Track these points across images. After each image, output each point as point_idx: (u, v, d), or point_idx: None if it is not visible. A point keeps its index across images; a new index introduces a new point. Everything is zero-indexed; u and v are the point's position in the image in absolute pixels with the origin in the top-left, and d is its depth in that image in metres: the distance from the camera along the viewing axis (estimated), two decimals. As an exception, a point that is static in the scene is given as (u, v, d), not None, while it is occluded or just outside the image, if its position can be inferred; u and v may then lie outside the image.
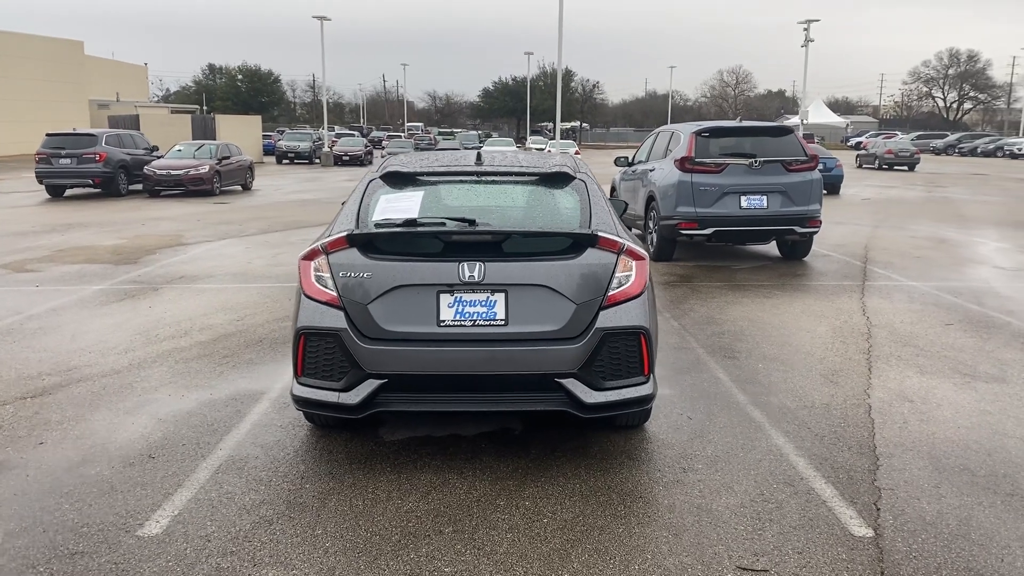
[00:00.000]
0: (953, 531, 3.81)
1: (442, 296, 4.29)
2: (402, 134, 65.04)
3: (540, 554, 3.61)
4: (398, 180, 4.92)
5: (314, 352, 4.38)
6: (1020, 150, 51.62)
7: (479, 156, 5.22)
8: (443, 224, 4.48)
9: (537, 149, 52.04)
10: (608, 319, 4.33)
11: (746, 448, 4.78)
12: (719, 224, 10.54)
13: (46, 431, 5.04)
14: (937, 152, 58.50)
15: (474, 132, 65.25)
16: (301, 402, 4.47)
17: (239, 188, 25.12)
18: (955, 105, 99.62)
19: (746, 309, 8.39)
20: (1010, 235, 14.57)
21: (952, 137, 63.14)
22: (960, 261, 11.61)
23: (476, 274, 4.24)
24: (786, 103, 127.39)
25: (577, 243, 4.39)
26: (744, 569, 3.49)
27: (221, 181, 23.55)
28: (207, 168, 22.86)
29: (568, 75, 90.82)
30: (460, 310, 4.29)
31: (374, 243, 4.37)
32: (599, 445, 4.82)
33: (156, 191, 22.57)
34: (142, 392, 5.78)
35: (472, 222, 4.47)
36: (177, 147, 25.00)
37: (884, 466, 4.52)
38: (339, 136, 52.25)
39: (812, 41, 41.95)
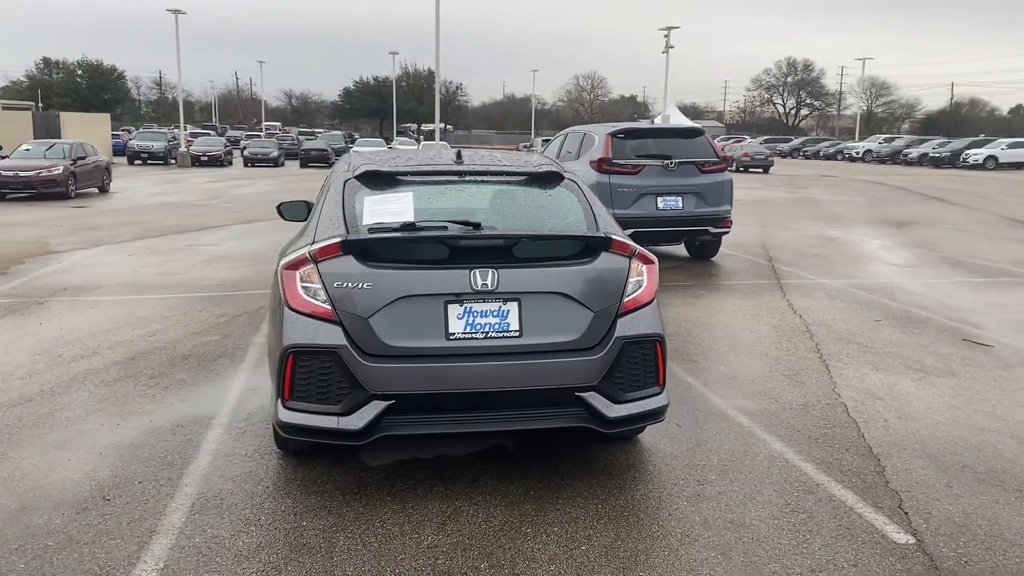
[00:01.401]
0: (987, 532, 3.80)
1: (450, 307, 3.92)
2: (261, 133, 62.56)
3: (594, 586, 3.33)
4: (378, 180, 4.49)
5: (306, 372, 3.91)
6: (858, 153, 55.29)
7: (459, 155, 4.87)
8: (445, 228, 4.11)
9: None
10: (626, 327, 4.09)
11: (748, 455, 4.66)
12: (637, 225, 10.50)
13: (-34, 474, 4.31)
14: (783, 155, 61.77)
15: (339, 132, 63.52)
16: (290, 429, 3.99)
17: (95, 190, 23.32)
18: (793, 111, 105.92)
19: (681, 310, 8.37)
20: (886, 233, 15.39)
21: (797, 141, 66.98)
22: (855, 259, 12.12)
23: (489, 282, 3.90)
24: (638, 108, 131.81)
25: (590, 247, 4.13)
26: (809, 587, 3.33)
27: (76, 183, 21.78)
28: (61, 169, 21.08)
29: (431, 76, 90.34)
30: (471, 321, 3.94)
31: (371, 250, 3.95)
32: (600, 460, 4.57)
33: (1, 194, 20.61)
34: (68, 423, 5.07)
35: (477, 225, 4.13)
36: (24, 146, 23.02)
37: (888, 468, 4.50)
38: (195, 135, 49.71)
39: (673, 48, 43.43)
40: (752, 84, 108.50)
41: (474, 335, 3.93)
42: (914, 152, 50.98)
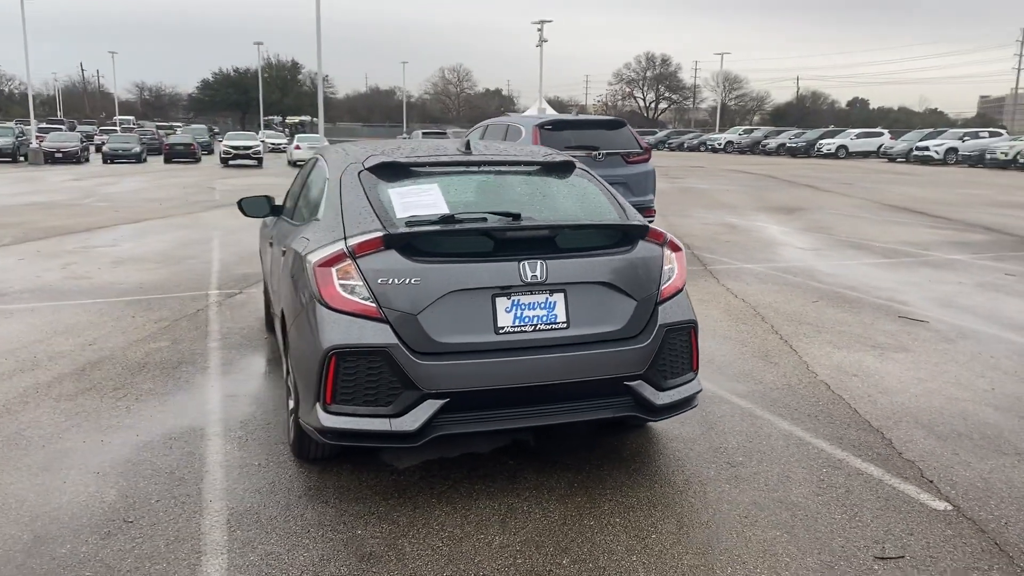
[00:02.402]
0: (1010, 494, 4.05)
1: (498, 300, 3.83)
2: (116, 128, 58.97)
3: (683, 571, 3.34)
4: (395, 172, 4.32)
5: (351, 374, 3.73)
6: (720, 144, 57.75)
7: (468, 145, 4.75)
8: (485, 219, 4.01)
9: (275, 144, 49.77)
10: (666, 314, 4.12)
11: (763, 436, 4.79)
12: (568, 216, 10.59)
13: (-48, 505, 3.87)
14: (652, 146, 63.85)
15: (202, 126, 60.69)
16: (333, 435, 3.79)
17: (-52, 191, 21.42)
18: (653, 104, 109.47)
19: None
20: (780, 219, 16.15)
21: (662, 133, 69.34)
22: (765, 244, 12.66)
23: (539, 273, 3.84)
24: (504, 101, 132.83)
25: (628, 235, 4.13)
26: (882, 559, 3.45)
27: (-72, 182, 19.90)
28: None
29: (295, 67, 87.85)
30: (519, 314, 3.86)
31: (415, 244, 3.81)
32: (625, 449, 4.59)
33: None
34: (43, 442, 4.64)
35: (517, 216, 4.05)
36: None
37: (895, 440, 4.73)
38: (44, 131, 46.38)
39: (546, 41, 44.00)
40: (614, 78, 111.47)
41: (523, 328, 3.85)
42: (772, 143, 53.71)
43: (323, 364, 3.73)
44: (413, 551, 3.49)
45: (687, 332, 4.20)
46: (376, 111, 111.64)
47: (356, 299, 3.76)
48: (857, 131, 50.22)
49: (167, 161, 39.42)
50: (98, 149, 43.03)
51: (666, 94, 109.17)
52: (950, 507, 3.91)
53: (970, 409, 5.24)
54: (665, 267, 4.18)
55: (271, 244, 6.10)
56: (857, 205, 18.67)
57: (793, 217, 16.45)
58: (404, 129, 77.74)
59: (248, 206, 6.18)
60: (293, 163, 37.49)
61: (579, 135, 11.04)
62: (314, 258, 3.90)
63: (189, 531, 3.65)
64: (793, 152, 50.92)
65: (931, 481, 4.19)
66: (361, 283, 3.76)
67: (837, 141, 48.51)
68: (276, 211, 6.19)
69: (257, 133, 50.01)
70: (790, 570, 3.36)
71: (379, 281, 3.74)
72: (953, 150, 41.11)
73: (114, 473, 4.25)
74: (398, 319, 3.72)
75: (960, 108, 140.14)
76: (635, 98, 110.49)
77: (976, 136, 42.60)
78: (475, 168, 4.51)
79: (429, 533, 3.64)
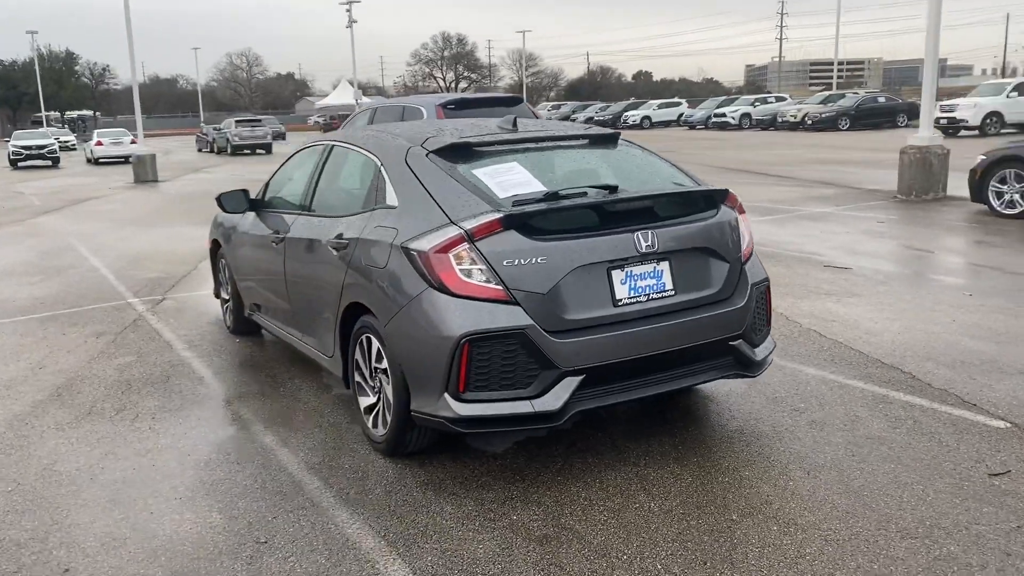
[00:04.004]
0: (1045, 407, 4.59)
1: (613, 273, 3.86)
2: None
3: (844, 512, 3.55)
4: (461, 154, 4.22)
5: (485, 360, 3.64)
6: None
7: (515, 122, 4.70)
8: (585, 194, 4.00)
9: (63, 142, 45.64)
10: (751, 274, 4.31)
11: (802, 383, 5.08)
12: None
13: (44, 554, 3.41)
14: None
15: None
16: (469, 423, 3.69)
17: None
18: (454, 84, 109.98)
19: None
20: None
21: (470, 111, 69.92)
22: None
23: (652, 243, 3.90)
24: (299, 85, 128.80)
25: (711, 200, 4.26)
26: (994, 475, 3.82)
27: None
28: None
29: (71, 58, 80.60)
30: (633, 285, 3.91)
31: (534, 223, 3.75)
32: (694, 410, 4.76)
33: None
34: (88, 475, 4.17)
35: (614, 188, 4.07)
36: None
37: (916, 373, 5.18)
38: None
39: (356, 22, 43.10)
40: (412, 59, 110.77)
41: (637, 299, 3.90)
42: (581, 116, 55.59)
43: (454, 352, 3.62)
44: (583, 528, 3.48)
45: (766, 290, 4.41)
46: (162, 102, 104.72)
47: (481, 283, 3.66)
48: (659, 102, 53.13)
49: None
50: None
51: (465, 73, 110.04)
52: (1008, 424, 4.37)
53: (952, 340, 5.83)
54: (741, 228, 4.36)
55: (247, 239, 5.82)
56: (699, 170, 19.80)
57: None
58: (202, 119, 73.49)
59: (228, 201, 5.77)
60: (95, 160, 34.72)
61: (482, 113, 11.03)
62: (424, 245, 3.75)
63: (338, 542, 3.43)
64: (602, 124, 52.98)
65: (975, 404, 4.65)
66: (482, 266, 3.67)
67: (641, 112, 51.10)
68: (254, 205, 5.83)
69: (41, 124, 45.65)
70: (929, 497, 3.64)
71: (504, 263, 3.66)
72: (747, 115, 44.41)
73: (199, 496, 3.90)
74: (529, 299, 3.66)
75: (733, 77, 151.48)
76: (435, 78, 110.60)
77: (765, 101, 46.29)
78: (534, 144, 4.47)
79: (586, 508, 3.64)
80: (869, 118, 38.20)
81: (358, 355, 4.38)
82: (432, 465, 4.13)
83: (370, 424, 4.33)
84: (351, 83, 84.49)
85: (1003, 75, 78.74)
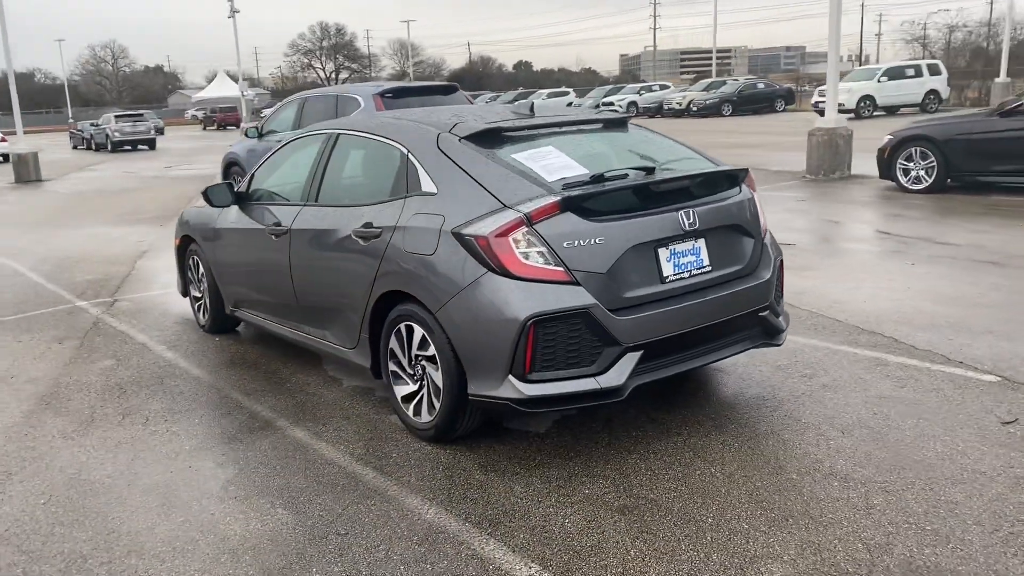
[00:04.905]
0: (1024, 361, 5.02)
1: (659, 251, 4.00)
2: None
3: (886, 469, 3.80)
4: (492, 139, 4.28)
5: (551, 340, 3.71)
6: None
7: (532, 108, 4.78)
8: (626, 176, 4.12)
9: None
10: (771, 248, 4.53)
11: (799, 350, 5.36)
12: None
13: (116, 563, 3.28)
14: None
15: None
16: (536, 403, 3.75)
17: None
18: (334, 75, 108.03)
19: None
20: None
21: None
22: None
23: (694, 220, 4.06)
24: (168, 78, 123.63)
25: (733, 179, 4.45)
26: (1006, 423, 4.18)
27: None
28: None
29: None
30: (677, 262, 4.06)
31: (588, 205, 3.84)
32: (702, 392, 4.96)
33: None
34: (125, 481, 4.01)
35: (651, 170, 4.20)
36: None
37: (896, 337, 5.55)
38: None
39: (238, 12, 41.65)
40: (290, 49, 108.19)
41: (681, 275, 4.06)
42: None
43: (520, 334, 3.67)
44: (658, 496, 3.60)
45: (781, 263, 4.64)
46: (20, 97, 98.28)
47: (543, 265, 3.73)
48: (548, 91, 53.72)
49: None
50: None
51: (345, 63, 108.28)
52: (999, 378, 4.76)
53: (917, 306, 6.26)
54: (758, 206, 4.57)
55: (233, 234, 5.75)
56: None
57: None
58: (70, 116, 69.57)
59: (214, 194, 5.60)
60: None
61: (418, 102, 11.01)
62: (483, 230, 3.78)
63: (422, 527, 3.44)
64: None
65: (962, 362, 5.03)
66: (543, 249, 3.73)
67: (530, 101, 51.50)
68: (239, 199, 5.69)
69: None
70: (961, 446, 3.94)
71: (564, 244, 3.74)
72: (634, 103, 45.54)
73: (252, 495, 3.81)
74: (590, 279, 3.76)
75: (608, 67, 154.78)
76: (314, 68, 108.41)
77: (650, 90, 47.60)
78: (557, 129, 4.56)
79: (651, 478, 3.77)
80: (750, 104, 39.95)
81: (394, 344, 4.35)
82: (482, 448, 4.17)
83: (410, 412, 4.32)
84: (229, 75, 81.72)
85: (860, 63, 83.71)
